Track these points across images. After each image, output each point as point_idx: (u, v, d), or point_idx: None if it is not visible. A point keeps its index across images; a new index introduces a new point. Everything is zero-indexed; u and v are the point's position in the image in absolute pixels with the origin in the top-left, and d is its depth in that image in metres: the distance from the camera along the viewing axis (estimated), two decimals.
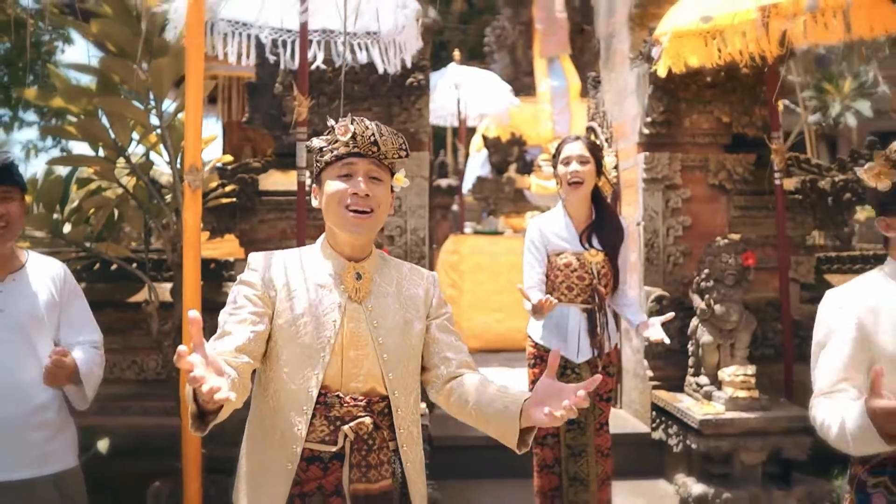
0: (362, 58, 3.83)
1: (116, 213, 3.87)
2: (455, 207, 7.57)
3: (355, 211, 1.76)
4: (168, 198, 3.84)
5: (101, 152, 3.74)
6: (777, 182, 3.85)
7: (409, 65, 3.63)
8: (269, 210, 4.18)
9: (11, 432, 2.32)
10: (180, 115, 3.82)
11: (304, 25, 3.53)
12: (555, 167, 3.39)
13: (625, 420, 4.57)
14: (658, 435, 4.16)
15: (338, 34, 3.82)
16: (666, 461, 4.18)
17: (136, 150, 3.99)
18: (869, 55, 3.73)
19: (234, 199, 3.98)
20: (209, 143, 4.20)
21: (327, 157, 1.79)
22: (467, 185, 8.36)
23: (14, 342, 2.37)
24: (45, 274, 2.53)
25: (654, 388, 4.23)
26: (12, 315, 2.37)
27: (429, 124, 4.22)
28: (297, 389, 1.73)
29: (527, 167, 8.25)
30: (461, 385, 1.83)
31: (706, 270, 3.97)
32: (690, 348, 4.07)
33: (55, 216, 3.76)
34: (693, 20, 3.42)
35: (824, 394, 1.94)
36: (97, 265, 4.16)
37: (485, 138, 8.43)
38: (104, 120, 3.62)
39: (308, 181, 3.55)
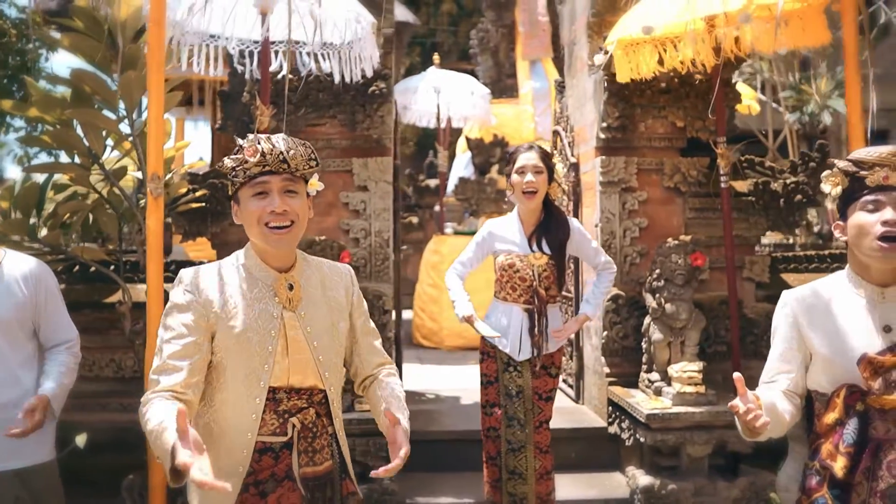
0: (325, 67, 4.00)
1: (92, 217, 4.05)
2: (437, 208, 7.73)
3: (275, 227, 1.89)
4: (142, 202, 4.02)
5: (77, 159, 3.93)
6: (723, 185, 4.00)
7: (368, 75, 3.77)
8: None
9: None
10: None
11: (265, 39, 3.69)
12: (508, 175, 3.56)
13: (584, 415, 4.73)
14: (614, 429, 4.32)
15: (301, 45, 3.98)
16: (622, 455, 4.33)
17: (112, 156, 4.17)
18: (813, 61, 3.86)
19: (204, 204, 4.15)
20: (182, 149, 4.38)
21: (240, 177, 1.90)
22: (451, 186, 8.52)
23: None
24: (17, 273, 2.69)
25: (611, 384, 4.39)
26: None
27: (392, 130, 4.38)
28: (246, 399, 1.90)
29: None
30: (376, 389, 2.12)
31: (657, 270, 4.13)
32: (644, 346, 4.23)
33: (32, 220, 3.95)
34: (636, 31, 3.56)
35: (764, 382, 2.13)
36: (77, 267, 4.34)
37: (468, 140, 8.59)
38: (80, 129, 3.82)
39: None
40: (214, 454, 1.87)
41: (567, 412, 4.77)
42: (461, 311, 3.46)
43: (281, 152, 1.89)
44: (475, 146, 8.44)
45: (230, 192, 1.99)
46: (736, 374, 1.86)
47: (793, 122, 8.78)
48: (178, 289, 1.94)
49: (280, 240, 1.91)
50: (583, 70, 4.73)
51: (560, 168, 3.60)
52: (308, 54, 3.97)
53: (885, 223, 1.94)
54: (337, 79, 3.85)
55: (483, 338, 3.53)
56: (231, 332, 1.89)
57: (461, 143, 9.49)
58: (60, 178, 4.10)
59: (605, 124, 4.38)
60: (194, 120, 8.72)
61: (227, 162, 1.94)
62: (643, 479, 3.88)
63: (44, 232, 3.96)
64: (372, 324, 2.21)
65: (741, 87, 7.34)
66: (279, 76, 4.06)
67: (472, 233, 7.85)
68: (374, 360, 2.16)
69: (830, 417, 2.01)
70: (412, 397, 5.18)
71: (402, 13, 8.14)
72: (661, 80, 4.34)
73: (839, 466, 2.00)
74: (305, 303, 1.99)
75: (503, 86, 9.48)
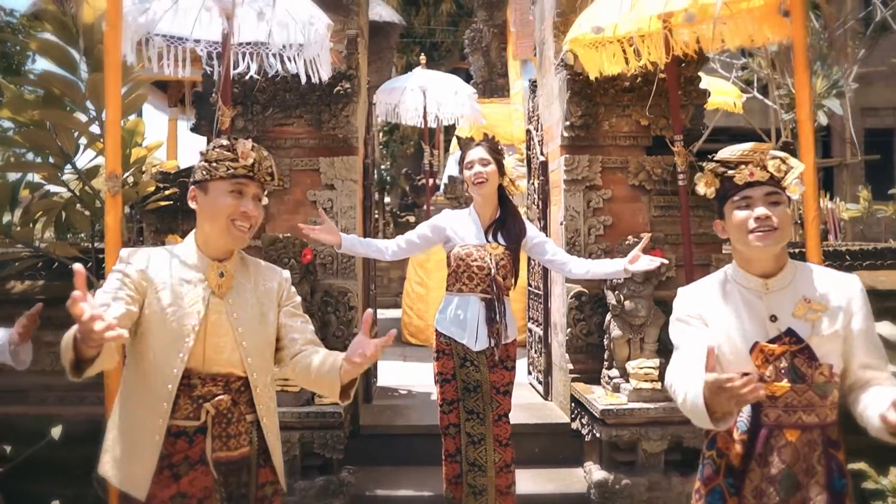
0: (291, 68, 4.07)
1: (64, 215, 4.16)
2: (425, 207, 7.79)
3: (239, 225, 2.06)
4: None
5: (52, 159, 4.04)
6: (681, 183, 4.03)
7: (324, 77, 3.84)
8: None
9: None
10: (124, 123, 4.11)
11: (225, 41, 3.78)
12: (461, 173, 3.65)
13: (551, 411, 4.78)
14: (576, 425, 4.37)
15: (261, 46, 4.06)
16: (584, 450, 4.38)
17: (86, 155, 4.29)
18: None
19: (171, 202, 4.25)
20: (154, 149, 4.48)
21: (222, 171, 2.06)
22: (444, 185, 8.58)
23: None
24: None
25: (574, 380, 4.43)
26: None
27: (357, 130, 4.45)
28: (163, 369, 2.01)
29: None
30: (304, 357, 2.14)
31: None
32: (605, 342, 4.27)
33: (7, 218, 4.07)
34: (586, 31, 3.61)
35: (678, 369, 2.05)
36: (56, 265, 4.46)
37: (458, 139, 8.63)
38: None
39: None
40: (133, 423, 2.02)
41: (534, 408, 4.82)
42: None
43: (270, 166, 2.13)
44: (465, 145, 8.45)
45: (197, 178, 2.11)
46: (708, 345, 1.80)
47: (788, 121, 8.75)
48: (119, 262, 2.08)
49: (241, 237, 2.09)
50: (550, 69, 4.78)
51: (509, 162, 3.67)
52: (274, 55, 4.06)
53: (757, 219, 2.02)
54: (304, 79, 3.92)
55: (439, 336, 3.58)
56: (157, 303, 2.02)
57: (454, 143, 9.56)
58: (36, 177, 4.21)
59: (568, 122, 4.42)
60: (188, 119, 8.87)
61: (212, 153, 2.09)
62: (598, 473, 3.92)
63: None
64: (304, 315, 2.29)
65: (725, 86, 7.34)
66: (247, 77, 4.16)
67: None
68: (303, 338, 2.21)
69: None
70: (385, 392, 5.26)
71: (388, 14, 8.22)
72: (624, 79, 4.38)
73: (735, 454, 2.06)
74: (235, 291, 2.12)
75: (494, 85, 9.52)
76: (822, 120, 8.72)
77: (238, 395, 2.08)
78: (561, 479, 4.23)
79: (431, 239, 3.63)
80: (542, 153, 5.01)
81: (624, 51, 3.78)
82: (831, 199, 9.21)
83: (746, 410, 2.06)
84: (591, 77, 4.09)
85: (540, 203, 4.98)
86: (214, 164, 2.07)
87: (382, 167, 13.23)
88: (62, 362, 1.80)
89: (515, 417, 4.59)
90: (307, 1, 3.70)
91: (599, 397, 4.04)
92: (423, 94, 7.18)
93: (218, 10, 3.78)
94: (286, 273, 2.32)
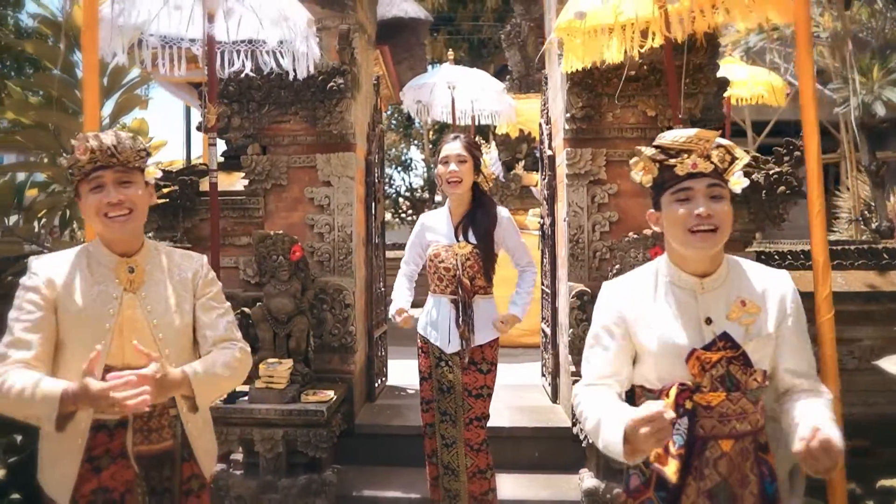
0: (285, 65, 4.05)
1: (69, 212, 4.29)
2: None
3: (114, 216, 2.02)
4: None
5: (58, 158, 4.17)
6: None
7: (302, 73, 3.80)
8: (208, 209, 4.48)
9: None
10: (118, 124, 4.20)
11: (210, 39, 3.79)
12: (436, 166, 3.55)
13: (557, 415, 4.61)
14: (577, 430, 4.19)
15: (260, 44, 4.06)
16: (586, 456, 4.19)
17: None
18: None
19: (168, 200, 4.30)
20: (159, 148, 4.56)
21: (76, 173, 2.04)
22: None
23: None
24: None
25: (575, 382, 4.25)
26: None
27: (353, 126, 4.40)
28: (83, 371, 1.96)
29: (535, 164, 8.24)
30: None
31: (617, 265, 3.99)
32: None
33: (14, 216, 4.22)
34: (570, 18, 3.45)
35: (589, 384, 2.03)
36: None
37: (494, 136, 8.50)
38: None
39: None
40: (56, 439, 1.99)
41: (538, 411, 4.67)
42: (393, 306, 3.48)
43: (108, 147, 2.02)
44: (501, 142, 8.34)
45: (74, 191, 2.10)
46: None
47: (844, 113, 8.23)
48: (26, 275, 2.07)
49: (120, 227, 2.04)
50: (555, 59, 4.60)
51: (488, 158, 3.54)
52: (267, 53, 4.06)
53: (698, 216, 1.85)
54: (290, 76, 3.89)
55: (419, 335, 3.53)
56: (71, 309, 2.01)
57: (493, 144, 9.41)
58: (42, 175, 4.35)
59: (569, 114, 4.25)
60: None
61: (63, 161, 2.12)
62: (589, 481, 3.74)
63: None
64: (222, 304, 2.24)
65: (765, 76, 6.95)
66: (242, 75, 4.18)
67: None
68: (213, 335, 2.17)
69: None
70: (392, 391, 5.20)
71: (414, 9, 8.15)
72: (629, 68, 4.17)
73: (672, 471, 1.89)
74: (147, 285, 2.11)
75: (532, 80, 9.31)
76: (880, 110, 8.14)
77: None
78: (557, 486, 4.06)
79: (422, 245, 3.57)
80: (550, 147, 4.84)
81: (611, 35, 3.58)
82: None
83: (683, 422, 1.89)
84: (575, 68, 3.90)
85: (548, 199, 4.81)
86: (70, 171, 2.06)
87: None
88: (24, 417, 1.85)
89: (515, 420, 4.49)
90: None
91: None
92: (451, 90, 7.08)
93: (203, 10, 3.79)
94: (203, 259, 2.29)
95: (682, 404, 1.90)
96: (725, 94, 4.53)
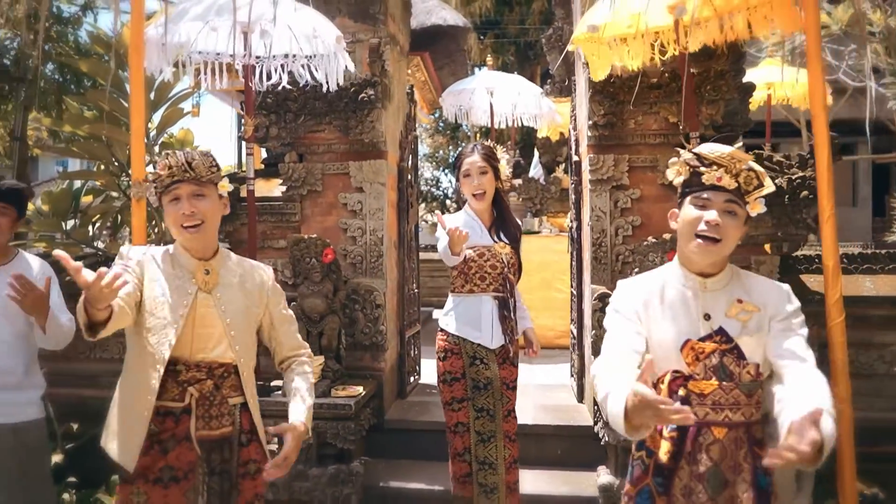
0: (318, 77, 4.28)
1: (120, 218, 4.61)
2: None
3: (188, 227, 2.28)
4: None
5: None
6: None
7: (332, 84, 4.02)
8: (248, 214, 4.75)
9: None
10: (165, 134, 4.50)
11: (247, 53, 4.04)
12: (458, 179, 3.70)
13: (580, 414, 4.72)
14: (598, 428, 4.30)
15: (294, 59, 4.31)
16: (607, 454, 4.30)
17: None
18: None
19: None
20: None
21: (158, 187, 2.32)
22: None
23: None
24: (27, 267, 3.23)
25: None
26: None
27: (384, 134, 4.60)
28: (154, 352, 2.25)
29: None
30: (288, 371, 2.53)
31: (637, 269, 4.08)
32: None
33: (71, 221, 4.57)
34: (584, 31, 3.56)
35: (605, 359, 2.09)
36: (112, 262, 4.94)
37: (535, 140, 8.60)
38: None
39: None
40: (128, 402, 2.28)
41: (562, 410, 4.79)
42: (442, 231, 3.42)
43: (184, 163, 2.29)
44: (542, 145, 8.45)
45: (158, 202, 2.38)
46: (648, 357, 1.82)
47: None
48: (117, 259, 2.33)
49: (193, 237, 2.31)
50: (580, 67, 4.72)
51: (504, 167, 3.68)
52: (303, 66, 4.30)
53: (707, 223, 2.02)
54: (323, 88, 4.12)
55: (447, 336, 3.57)
56: (151, 293, 2.27)
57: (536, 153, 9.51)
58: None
59: (591, 122, 4.35)
60: None
61: (148, 177, 2.39)
62: (604, 477, 3.86)
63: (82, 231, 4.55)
64: (289, 312, 2.55)
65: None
66: (279, 87, 4.42)
67: (526, 232, 7.93)
68: (288, 344, 2.53)
69: None
70: (424, 389, 5.39)
71: (452, 17, 8.30)
72: (650, 76, 4.26)
73: (663, 451, 2.06)
74: (221, 287, 2.36)
75: (573, 84, 9.35)
76: None
77: (221, 381, 2.32)
78: (576, 482, 4.18)
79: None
80: (577, 153, 4.95)
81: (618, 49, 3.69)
82: None
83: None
84: (602, 77, 4.02)
85: (575, 203, 4.92)
86: (154, 185, 2.33)
87: None
88: (80, 325, 2.08)
89: (537, 418, 4.63)
90: (314, 16, 3.87)
91: None
92: (490, 95, 7.23)
93: (240, 28, 4.05)
94: (270, 270, 2.55)
95: (675, 391, 2.04)
96: (767, 94, 4.56)
